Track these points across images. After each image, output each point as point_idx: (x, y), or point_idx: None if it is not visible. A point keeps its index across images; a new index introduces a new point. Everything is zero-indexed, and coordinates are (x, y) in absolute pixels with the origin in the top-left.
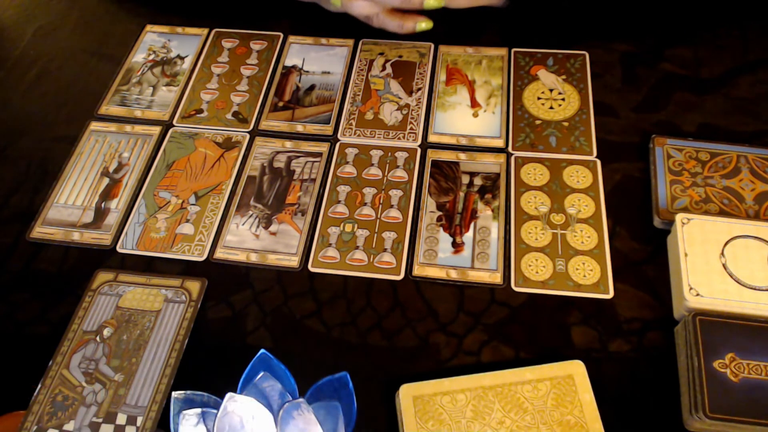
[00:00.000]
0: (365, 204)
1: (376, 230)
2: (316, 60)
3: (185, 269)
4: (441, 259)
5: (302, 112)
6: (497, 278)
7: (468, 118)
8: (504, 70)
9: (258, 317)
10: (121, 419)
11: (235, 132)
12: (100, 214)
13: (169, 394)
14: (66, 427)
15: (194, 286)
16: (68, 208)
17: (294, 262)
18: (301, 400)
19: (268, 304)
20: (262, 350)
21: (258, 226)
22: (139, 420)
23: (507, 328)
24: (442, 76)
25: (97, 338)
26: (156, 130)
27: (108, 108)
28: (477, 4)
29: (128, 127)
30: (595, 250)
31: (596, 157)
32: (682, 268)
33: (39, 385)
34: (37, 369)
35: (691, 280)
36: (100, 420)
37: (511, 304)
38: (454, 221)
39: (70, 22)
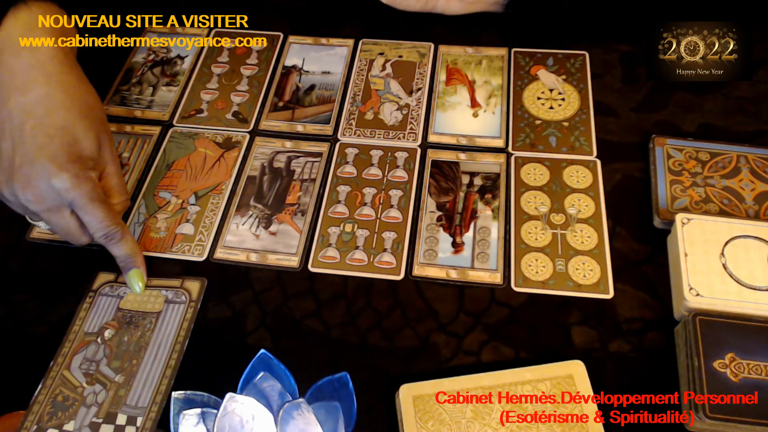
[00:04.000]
0: (365, 204)
1: (376, 230)
2: (316, 60)
3: (185, 269)
4: (441, 259)
5: (302, 112)
6: (497, 278)
7: (468, 118)
8: (504, 70)
9: (258, 317)
10: (121, 419)
11: (235, 132)
12: None
13: (169, 395)
14: (66, 427)
15: (194, 286)
16: None
17: (294, 262)
18: (301, 400)
19: (268, 304)
20: (262, 350)
21: (258, 226)
22: (139, 420)
23: (507, 328)
24: (442, 76)
25: (99, 340)
26: (156, 130)
27: (108, 108)
28: (472, 10)
29: (128, 127)
30: (595, 250)
31: (596, 157)
32: (682, 268)
33: (39, 386)
34: (37, 369)
35: (691, 280)
36: (101, 420)
37: (511, 304)
38: (454, 221)
39: None
